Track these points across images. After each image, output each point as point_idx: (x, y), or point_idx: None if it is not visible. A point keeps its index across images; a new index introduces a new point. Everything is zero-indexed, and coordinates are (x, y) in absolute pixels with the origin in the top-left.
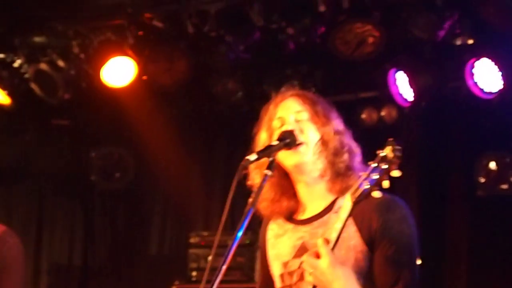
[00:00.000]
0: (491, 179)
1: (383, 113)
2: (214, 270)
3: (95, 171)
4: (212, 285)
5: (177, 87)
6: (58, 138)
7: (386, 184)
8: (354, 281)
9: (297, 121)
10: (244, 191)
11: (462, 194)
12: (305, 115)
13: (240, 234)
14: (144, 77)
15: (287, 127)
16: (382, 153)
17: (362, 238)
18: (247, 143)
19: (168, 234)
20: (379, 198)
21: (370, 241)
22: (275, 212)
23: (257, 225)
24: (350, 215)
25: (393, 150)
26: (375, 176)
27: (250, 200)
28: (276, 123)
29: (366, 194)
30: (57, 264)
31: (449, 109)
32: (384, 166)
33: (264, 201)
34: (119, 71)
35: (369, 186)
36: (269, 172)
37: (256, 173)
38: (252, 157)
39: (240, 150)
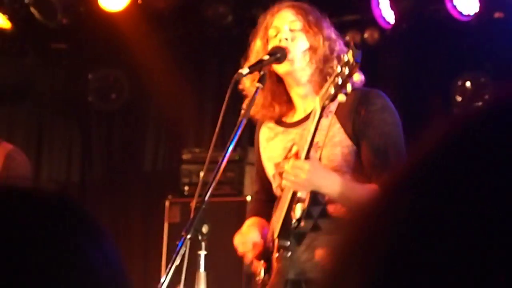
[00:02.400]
0: (467, 98)
1: (366, 35)
2: (206, 185)
3: (92, 92)
4: (204, 198)
5: (170, 11)
6: (57, 61)
7: (349, 87)
8: (332, 173)
9: (291, 30)
10: (235, 110)
11: (440, 112)
12: (298, 24)
13: (231, 146)
14: (139, 1)
15: (281, 36)
16: (344, 58)
17: (346, 133)
18: (236, 65)
19: (161, 151)
20: (359, 91)
21: (354, 134)
22: (266, 116)
23: (247, 142)
24: (320, 117)
25: (354, 54)
26: (339, 80)
27: (242, 111)
28: (271, 32)
29: (332, 97)
30: (56, 181)
31: (428, 31)
32: (346, 70)
33: (256, 106)
34: None
35: (333, 89)
36: (260, 85)
37: (250, 85)
38: (244, 70)
39: (230, 71)
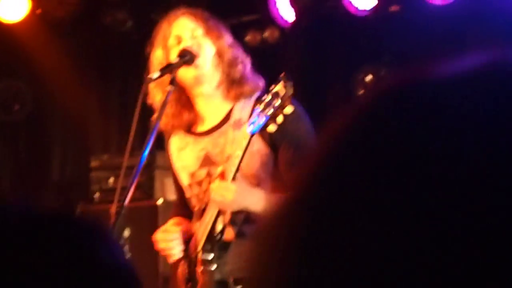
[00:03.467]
0: None
1: (266, 34)
2: (118, 190)
3: None
4: (123, 203)
5: (69, 19)
6: None
7: (280, 119)
8: (255, 190)
9: (193, 37)
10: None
11: (342, 105)
12: (199, 31)
13: (147, 150)
14: (38, 11)
15: (185, 44)
16: (274, 89)
17: (264, 142)
18: (139, 70)
19: (69, 160)
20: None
21: (272, 143)
22: (176, 126)
23: (154, 146)
24: (246, 148)
25: (285, 86)
26: (269, 111)
27: (155, 115)
28: (172, 41)
29: (262, 127)
30: None
31: (327, 27)
32: (277, 103)
33: (165, 116)
34: (13, 7)
35: (264, 121)
36: (171, 88)
37: (156, 91)
38: (155, 74)
39: (133, 76)
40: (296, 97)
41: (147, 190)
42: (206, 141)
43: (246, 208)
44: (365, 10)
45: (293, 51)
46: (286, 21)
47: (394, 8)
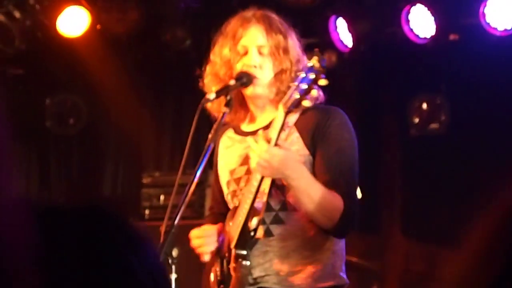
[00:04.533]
0: (423, 119)
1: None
2: (166, 208)
3: (50, 118)
4: (173, 222)
5: (129, 36)
6: (14, 87)
7: (314, 93)
8: (297, 160)
9: (260, 53)
10: (195, 134)
11: (397, 133)
12: (266, 49)
13: (200, 169)
14: (98, 27)
15: (248, 62)
16: (309, 63)
17: (304, 143)
18: (195, 88)
19: (121, 175)
20: (320, 107)
21: (312, 145)
22: (233, 121)
23: (207, 165)
24: (283, 124)
25: (319, 60)
26: (304, 86)
27: (210, 136)
28: (240, 48)
29: (297, 103)
30: None
31: (385, 53)
32: (312, 76)
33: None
34: (73, 21)
35: (299, 95)
36: (227, 110)
37: (213, 109)
38: (211, 96)
39: (188, 95)
40: (352, 121)
41: (198, 208)
42: (251, 140)
43: (286, 178)
44: (424, 38)
45: (351, 76)
46: (345, 46)
47: (453, 36)
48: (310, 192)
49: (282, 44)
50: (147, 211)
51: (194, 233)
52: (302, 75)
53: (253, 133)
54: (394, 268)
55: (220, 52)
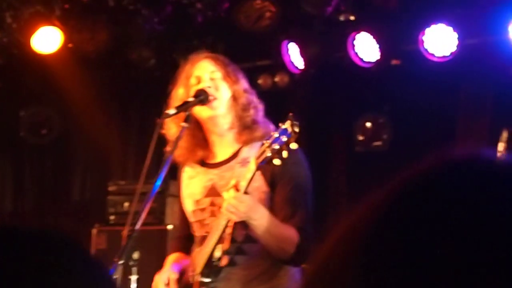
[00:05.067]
0: (367, 137)
1: (276, 79)
2: (131, 214)
3: (24, 128)
4: (134, 227)
5: (98, 54)
6: None
7: (285, 154)
8: (260, 205)
9: (212, 79)
10: (157, 146)
11: (344, 149)
12: (218, 74)
13: (160, 180)
14: (70, 45)
15: (203, 85)
16: (283, 126)
17: (265, 181)
18: (158, 104)
19: (89, 183)
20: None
21: (271, 182)
22: (190, 159)
23: (168, 176)
24: (253, 176)
25: (292, 125)
26: (276, 146)
27: (168, 149)
28: (193, 81)
29: (268, 160)
30: None
31: (333, 76)
32: (284, 139)
33: (180, 149)
34: (47, 40)
35: (270, 154)
36: (186, 125)
37: (172, 125)
38: (171, 111)
39: (152, 110)
40: (301, 138)
41: (159, 215)
42: (214, 173)
43: (251, 221)
44: (369, 62)
45: (301, 96)
46: (296, 68)
47: (395, 61)
48: (269, 229)
49: (231, 73)
50: (112, 217)
51: (156, 284)
52: (276, 135)
53: (216, 165)
54: None
55: (175, 93)
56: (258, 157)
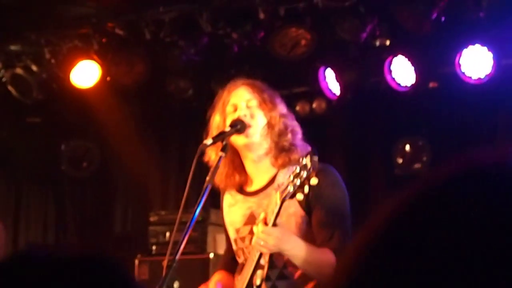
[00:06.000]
0: (407, 160)
1: (314, 105)
2: (171, 244)
3: (65, 162)
4: (175, 257)
5: (136, 87)
6: (32, 133)
7: (306, 189)
8: (291, 233)
9: (248, 107)
10: (197, 175)
11: (383, 173)
12: (254, 102)
13: (199, 209)
14: (108, 79)
15: (239, 113)
16: (303, 162)
17: (300, 206)
18: (197, 134)
19: (130, 214)
20: (316, 172)
21: (307, 207)
22: (229, 185)
23: (209, 204)
24: (279, 209)
25: (311, 161)
26: (297, 181)
27: (207, 178)
28: (229, 109)
29: (291, 195)
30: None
31: (370, 101)
32: (304, 174)
33: (219, 175)
34: (85, 74)
35: (293, 189)
36: (223, 154)
37: (212, 153)
38: (208, 141)
39: (191, 140)
40: (339, 163)
41: (200, 244)
42: (252, 201)
43: (284, 252)
44: (406, 86)
45: (339, 121)
46: (333, 94)
47: (432, 84)
48: (305, 258)
49: (268, 99)
50: (154, 247)
51: None
52: (297, 170)
53: (254, 193)
54: None
55: (213, 120)
56: (282, 192)
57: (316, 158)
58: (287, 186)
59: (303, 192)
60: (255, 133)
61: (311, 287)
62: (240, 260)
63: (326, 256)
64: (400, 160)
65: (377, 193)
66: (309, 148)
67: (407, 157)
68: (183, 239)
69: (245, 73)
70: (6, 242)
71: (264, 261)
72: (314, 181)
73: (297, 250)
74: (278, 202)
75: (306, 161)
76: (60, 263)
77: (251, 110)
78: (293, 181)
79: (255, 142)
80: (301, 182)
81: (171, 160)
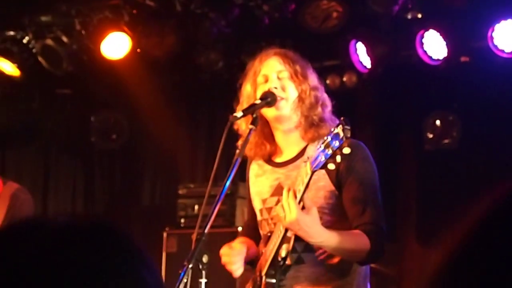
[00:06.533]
0: (437, 135)
1: (345, 79)
2: (200, 217)
3: (94, 133)
4: (204, 230)
5: (166, 59)
6: (62, 105)
7: (338, 159)
8: (319, 226)
9: (279, 78)
10: (226, 148)
11: (413, 148)
12: (285, 74)
13: (229, 182)
14: (138, 50)
15: (270, 85)
16: (334, 131)
17: (330, 179)
18: (226, 107)
19: (158, 187)
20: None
21: (337, 181)
22: (258, 154)
23: (237, 178)
24: (309, 181)
25: (343, 130)
26: (329, 151)
27: (237, 151)
28: (260, 79)
29: (322, 165)
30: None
31: (401, 74)
32: (336, 144)
33: (249, 144)
34: (116, 45)
35: (324, 159)
36: (253, 127)
37: (243, 124)
38: (239, 114)
39: (220, 113)
40: (369, 138)
41: (228, 217)
42: (280, 172)
43: (312, 242)
44: (437, 60)
45: (370, 95)
46: (364, 67)
47: (464, 58)
48: (334, 246)
49: (300, 71)
50: (182, 220)
51: (223, 251)
52: (328, 139)
53: (282, 164)
54: (410, 274)
55: (244, 89)
56: (312, 162)
57: (348, 127)
58: (317, 156)
59: (335, 162)
60: (285, 106)
61: (338, 260)
62: (263, 232)
63: (360, 240)
64: (430, 135)
65: (407, 167)
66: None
67: (438, 132)
68: (213, 212)
69: (276, 46)
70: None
71: (290, 233)
72: (347, 150)
73: (325, 243)
74: (309, 172)
75: (338, 130)
76: (64, 230)
77: (282, 82)
78: (324, 151)
79: (285, 115)
80: (333, 152)
81: (200, 133)
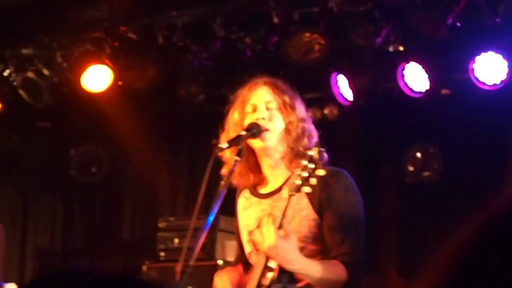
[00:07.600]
0: (418, 168)
1: (326, 111)
2: (180, 250)
3: (74, 167)
4: (188, 263)
5: (147, 91)
6: (42, 138)
7: (313, 181)
8: (297, 253)
9: (268, 109)
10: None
11: (394, 180)
12: (274, 104)
13: (213, 214)
14: (119, 83)
15: (258, 115)
16: (310, 153)
17: (313, 208)
18: (207, 140)
19: (138, 220)
20: (326, 171)
21: (319, 210)
22: (242, 184)
23: (218, 211)
24: (287, 206)
25: (319, 152)
26: (305, 174)
27: (222, 182)
28: (248, 108)
29: (298, 188)
30: (40, 249)
31: (383, 107)
32: (311, 166)
33: (234, 173)
34: (97, 78)
35: (300, 182)
36: (238, 159)
37: (228, 154)
38: (224, 145)
39: (201, 146)
40: (350, 170)
41: (208, 251)
42: (266, 203)
43: (290, 270)
44: (419, 92)
45: (351, 128)
46: (345, 100)
47: (445, 91)
48: (311, 274)
49: (288, 102)
50: (162, 253)
51: (216, 279)
52: (304, 162)
53: (268, 195)
54: None
55: (231, 117)
56: (289, 187)
57: (323, 149)
58: (294, 180)
59: (310, 184)
60: (271, 138)
61: None
62: (252, 262)
63: (337, 270)
64: (411, 168)
65: (388, 200)
66: (324, 153)
67: (418, 164)
68: (197, 244)
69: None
70: (5, 242)
71: (275, 264)
72: (320, 172)
73: (302, 270)
74: (286, 196)
75: (313, 153)
76: (101, 282)
77: (270, 113)
78: (300, 174)
79: (271, 146)
80: (309, 174)
81: (180, 166)
